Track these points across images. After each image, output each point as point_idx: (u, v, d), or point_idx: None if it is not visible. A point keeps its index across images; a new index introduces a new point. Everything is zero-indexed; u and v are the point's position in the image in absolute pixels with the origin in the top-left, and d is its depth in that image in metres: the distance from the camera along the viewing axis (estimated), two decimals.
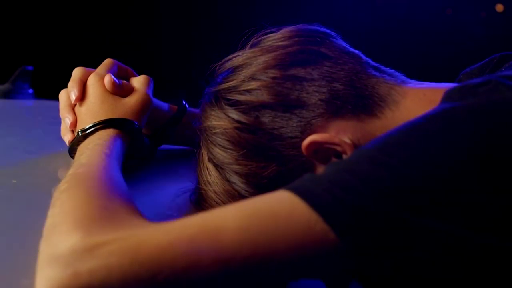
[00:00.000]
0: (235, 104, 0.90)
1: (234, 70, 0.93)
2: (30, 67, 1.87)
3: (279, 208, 0.66)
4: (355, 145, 0.86)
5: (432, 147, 0.69)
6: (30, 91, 1.88)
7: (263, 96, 0.88)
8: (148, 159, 1.09)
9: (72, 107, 1.02)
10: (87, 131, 0.94)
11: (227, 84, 0.92)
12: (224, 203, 0.91)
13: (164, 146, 1.17)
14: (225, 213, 0.67)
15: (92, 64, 1.09)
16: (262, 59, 0.91)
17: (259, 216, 0.65)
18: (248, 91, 0.90)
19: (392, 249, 0.65)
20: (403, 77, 0.93)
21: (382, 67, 0.94)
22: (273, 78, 0.89)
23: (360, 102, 0.88)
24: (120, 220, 0.67)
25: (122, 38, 2.35)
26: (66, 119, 1.01)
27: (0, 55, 2.31)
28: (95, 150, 0.87)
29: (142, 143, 1.01)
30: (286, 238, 0.64)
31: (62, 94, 1.05)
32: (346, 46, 0.95)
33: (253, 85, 0.89)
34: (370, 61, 0.94)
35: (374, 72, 0.91)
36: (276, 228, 0.65)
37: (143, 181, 1.04)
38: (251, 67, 0.91)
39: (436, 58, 2.27)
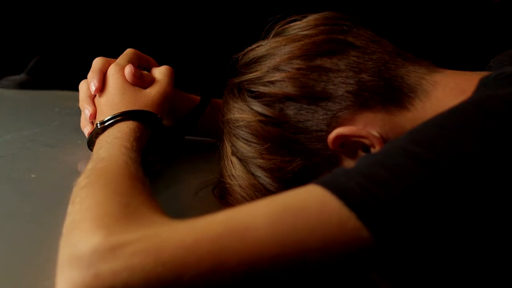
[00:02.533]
0: (258, 96, 0.87)
1: (258, 60, 0.90)
2: (45, 57, 1.85)
3: (309, 204, 0.63)
4: (383, 138, 0.83)
5: (469, 139, 0.66)
6: (46, 81, 1.87)
7: (288, 88, 0.85)
8: (170, 151, 1.07)
9: (92, 98, 1.01)
10: (106, 123, 0.92)
11: (250, 75, 0.89)
12: (250, 196, 0.89)
13: (186, 138, 1.14)
14: (253, 210, 0.64)
15: (111, 54, 1.06)
16: (287, 49, 0.88)
17: (288, 213, 0.63)
18: (272, 82, 0.87)
19: (428, 245, 0.62)
20: (433, 66, 0.89)
21: (411, 56, 0.90)
22: (298, 69, 0.86)
23: (389, 93, 0.85)
24: (142, 218, 0.65)
25: (143, 27, 2.33)
26: (86, 111, 0.99)
27: (15, 45, 2.29)
28: (114, 144, 0.85)
29: (163, 135, 0.99)
30: (316, 236, 0.62)
31: (82, 85, 1.03)
32: (374, 34, 0.92)
33: (277, 76, 0.86)
34: (399, 50, 0.91)
35: (403, 61, 0.88)
36: (306, 226, 0.62)
37: (165, 174, 1.02)
38: (275, 57, 0.88)
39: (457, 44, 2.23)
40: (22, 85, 1.80)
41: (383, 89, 0.85)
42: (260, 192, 0.88)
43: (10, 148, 1.06)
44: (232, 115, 0.90)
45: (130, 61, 1.03)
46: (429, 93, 0.85)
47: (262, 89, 0.87)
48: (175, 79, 1.06)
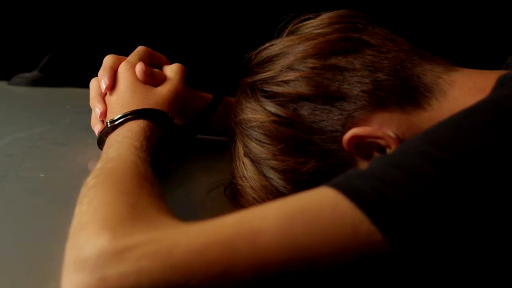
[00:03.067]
0: (272, 96, 0.86)
1: (271, 59, 0.89)
2: (58, 54, 1.85)
3: (321, 207, 0.61)
4: (399, 139, 0.81)
5: (486, 139, 0.64)
6: (59, 78, 1.86)
7: (302, 88, 0.84)
8: (181, 151, 1.05)
9: (103, 96, 0.99)
10: (116, 122, 0.90)
11: (263, 74, 0.88)
12: (261, 198, 0.87)
13: (198, 137, 1.13)
14: (264, 213, 0.62)
15: (124, 51, 1.05)
16: (300, 47, 0.86)
17: (299, 216, 0.61)
18: (285, 82, 0.85)
19: (443, 250, 0.60)
20: (450, 64, 0.87)
21: (428, 54, 0.88)
22: (312, 68, 0.84)
23: (405, 93, 0.83)
24: (150, 220, 0.63)
25: (154, 23, 2.32)
26: (96, 109, 0.98)
27: (28, 42, 2.29)
28: (124, 143, 0.83)
29: (174, 134, 0.98)
30: (328, 239, 0.60)
31: (93, 83, 1.02)
32: (389, 32, 0.90)
33: (291, 75, 0.85)
34: (415, 48, 0.88)
35: (419, 60, 0.86)
36: (318, 229, 0.60)
37: (176, 174, 1.01)
38: (288, 56, 0.87)
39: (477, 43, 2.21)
40: (34, 82, 1.79)
41: (399, 88, 0.83)
42: (272, 194, 0.86)
43: (20, 147, 1.05)
44: (244, 115, 0.88)
45: (141, 58, 1.01)
46: (446, 92, 0.83)
47: (276, 88, 0.85)
48: (187, 77, 1.04)
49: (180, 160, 1.06)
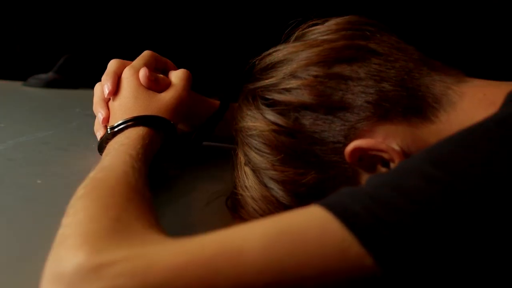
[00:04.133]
0: (273, 104, 0.83)
1: (274, 66, 0.86)
2: (74, 56, 1.84)
3: (309, 228, 0.58)
4: (404, 152, 0.78)
5: (494, 161, 0.60)
6: (74, 80, 1.86)
7: (304, 96, 0.81)
8: (185, 158, 1.03)
9: (106, 101, 0.98)
10: (116, 129, 0.89)
11: (265, 81, 0.85)
12: (262, 209, 0.84)
13: (204, 143, 1.10)
14: (248, 232, 0.59)
15: (139, 54, 1.03)
16: (304, 54, 0.84)
17: (285, 236, 0.57)
18: (287, 90, 0.82)
19: (438, 276, 0.57)
20: (461, 75, 0.84)
21: (439, 64, 0.84)
22: (315, 76, 0.81)
23: (412, 104, 0.79)
24: (133, 235, 0.61)
25: (165, 28, 2.31)
26: (99, 114, 0.97)
27: (44, 43, 2.29)
28: (120, 151, 0.81)
29: (177, 142, 0.95)
30: (314, 262, 0.56)
31: (97, 88, 1.01)
32: (399, 40, 0.86)
33: (293, 83, 0.82)
34: (425, 57, 0.85)
35: (428, 70, 0.82)
36: (305, 251, 0.57)
37: (178, 183, 0.98)
38: (292, 63, 0.84)
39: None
40: (49, 84, 1.79)
41: (405, 99, 0.80)
42: (272, 205, 0.83)
43: (22, 151, 1.03)
44: (245, 123, 0.85)
45: (146, 63, 0.99)
46: (455, 104, 0.79)
47: (277, 96, 0.83)
48: (194, 83, 1.02)
49: (184, 168, 1.04)
